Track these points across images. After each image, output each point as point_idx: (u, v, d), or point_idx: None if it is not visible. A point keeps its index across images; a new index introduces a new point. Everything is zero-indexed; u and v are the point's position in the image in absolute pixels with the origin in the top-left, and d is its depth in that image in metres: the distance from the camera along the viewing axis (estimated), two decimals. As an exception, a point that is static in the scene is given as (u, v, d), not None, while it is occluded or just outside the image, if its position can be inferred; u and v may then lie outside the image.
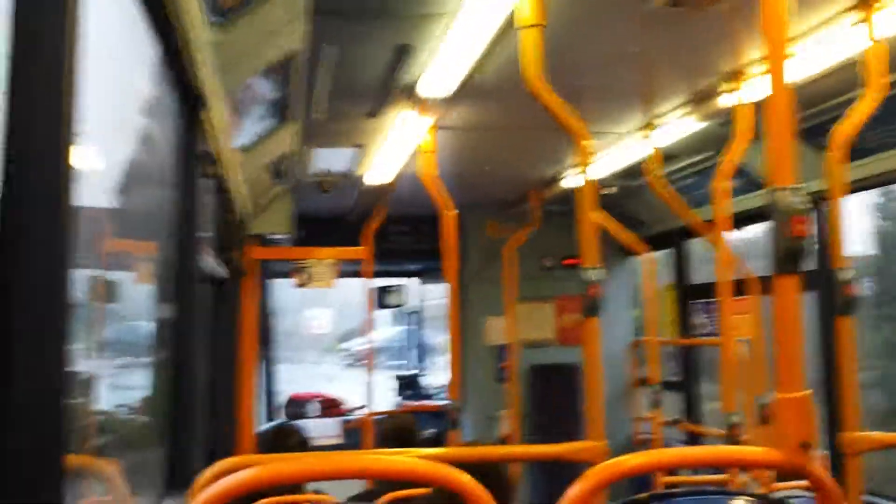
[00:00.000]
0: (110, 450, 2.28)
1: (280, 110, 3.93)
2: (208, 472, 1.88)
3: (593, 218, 2.75)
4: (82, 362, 1.86)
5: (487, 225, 7.45)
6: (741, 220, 5.49)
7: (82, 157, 1.28)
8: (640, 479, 4.45)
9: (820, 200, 4.58)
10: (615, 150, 5.01)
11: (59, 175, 1.08)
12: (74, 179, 1.11)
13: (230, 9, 2.32)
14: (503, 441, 7.08)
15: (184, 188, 2.35)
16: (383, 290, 8.94)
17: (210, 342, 4.06)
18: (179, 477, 2.50)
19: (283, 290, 8.96)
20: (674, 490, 3.21)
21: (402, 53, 3.31)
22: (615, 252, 7.36)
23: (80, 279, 1.53)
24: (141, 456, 2.70)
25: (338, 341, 24.54)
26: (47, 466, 1.08)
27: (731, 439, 4.05)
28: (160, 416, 2.71)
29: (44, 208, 1.06)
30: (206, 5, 2.09)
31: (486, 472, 2.07)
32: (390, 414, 5.58)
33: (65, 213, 1.08)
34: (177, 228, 2.45)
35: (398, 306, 9.45)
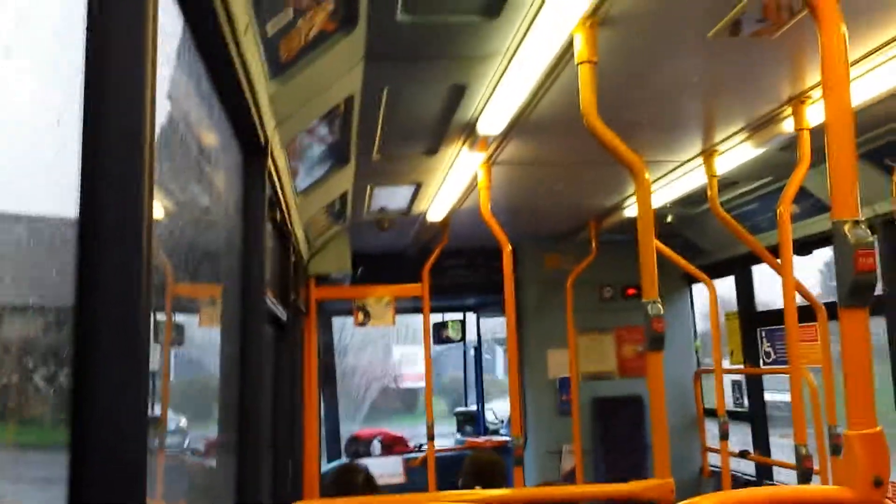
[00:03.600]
0: (175, 494, 2.30)
1: (338, 152, 3.99)
2: None
3: (653, 248, 2.71)
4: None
5: (545, 257, 7.42)
6: (806, 244, 5.37)
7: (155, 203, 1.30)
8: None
9: (888, 222, 4.47)
10: (674, 178, 4.96)
11: (141, 219, 1.09)
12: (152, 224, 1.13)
13: (289, 61, 2.37)
14: (568, 477, 6.99)
15: (249, 234, 2.40)
16: (440, 326, 8.95)
17: (272, 382, 4.10)
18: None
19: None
20: None
21: (458, 93, 3.34)
22: (675, 280, 7.26)
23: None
24: (207, 499, 2.73)
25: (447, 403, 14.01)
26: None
27: (803, 472, 3.93)
28: (225, 457, 2.73)
29: (123, 252, 1.07)
30: (266, 60, 2.14)
31: None
32: (473, 449, 5.50)
33: (145, 262, 1.09)
34: (243, 272, 2.49)
35: (456, 341, 9.43)
